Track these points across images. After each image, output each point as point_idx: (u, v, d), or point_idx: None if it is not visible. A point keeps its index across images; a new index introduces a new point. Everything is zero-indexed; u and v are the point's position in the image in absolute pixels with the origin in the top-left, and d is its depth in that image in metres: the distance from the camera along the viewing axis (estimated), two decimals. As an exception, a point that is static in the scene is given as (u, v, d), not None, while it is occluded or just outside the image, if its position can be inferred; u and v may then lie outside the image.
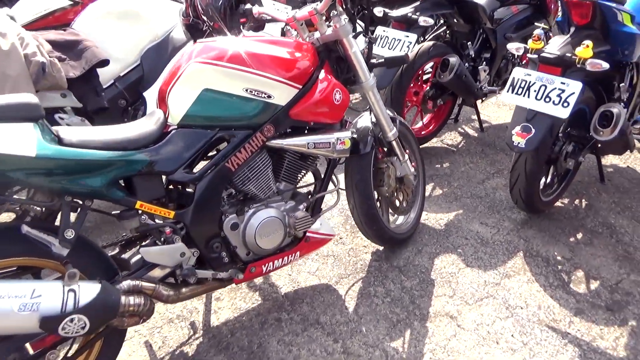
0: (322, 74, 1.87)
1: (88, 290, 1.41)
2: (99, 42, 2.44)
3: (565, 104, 2.07)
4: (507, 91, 2.24)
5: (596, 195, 2.89)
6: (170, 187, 1.71)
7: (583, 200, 2.84)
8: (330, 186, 2.07)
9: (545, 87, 2.13)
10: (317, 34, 1.95)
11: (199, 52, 1.66)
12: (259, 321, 2.03)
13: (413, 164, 2.38)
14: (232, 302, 2.14)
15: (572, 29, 2.26)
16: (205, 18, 2.01)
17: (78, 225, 1.46)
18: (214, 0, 1.99)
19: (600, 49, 2.23)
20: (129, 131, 1.56)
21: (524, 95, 2.18)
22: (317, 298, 2.16)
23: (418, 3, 3.05)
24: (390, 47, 2.90)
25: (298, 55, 1.79)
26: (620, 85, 2.37)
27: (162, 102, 1.67)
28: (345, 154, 1.93)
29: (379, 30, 2.98)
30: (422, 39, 3.36)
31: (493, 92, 3.44)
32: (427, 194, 2.93)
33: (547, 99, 2.11)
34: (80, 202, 1.49)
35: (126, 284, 1.55)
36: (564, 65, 2.11)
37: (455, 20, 3.28)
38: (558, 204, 2.79)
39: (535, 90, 2.15)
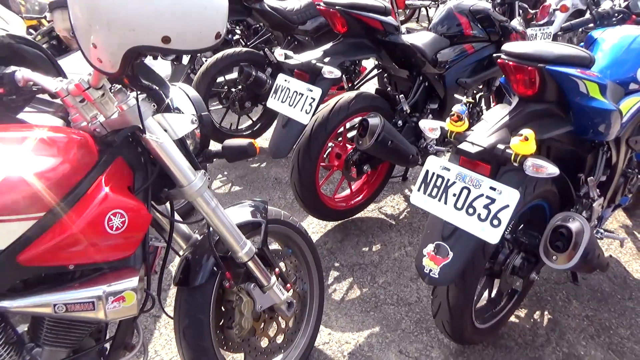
0: (95, 186, 1.16)
1: None
2: None
3: (496, 222, 1.35)
4: (418, 189, 1.52)
5: (564, 304, 2.16)
6: None
7: (545, 312, 2.12)
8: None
9: (469, 191, 1.41)
10: (102, 117, 1.25)
11: None
12: None
13: (289, 285, 1.66)
14: None
15: (515, 101, 1.54)
16: (-64, 87, 1.31)
17: None
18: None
19: (558, 131, 1.51)
20: None
21: (439, 199, 1.46)
22: None
23: (330, 45, 2.34)
24: (291, 103, 2.20)
25: (43, 163, 1.09)
26: (589, 179, 1.65)
27: None
28: (130, 313, 1.21)
29: (280, 78, 2.28)
30: (348, 86, 2.65)
31: (441, 152, 2.73)
32: (341, 295, 2.21)
33: (471, 210, 1.40)
34: None
35: None
36: (495, 162, 1.40)
37: (394, 64, 2.56)
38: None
39: (454, 194, 1.43)
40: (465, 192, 1.42)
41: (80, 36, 0.98)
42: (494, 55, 1.54)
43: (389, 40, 2.37)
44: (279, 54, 2.34)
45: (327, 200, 2.52)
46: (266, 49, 3.27)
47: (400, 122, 2.50)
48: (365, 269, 2.38)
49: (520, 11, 3.14)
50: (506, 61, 1.45)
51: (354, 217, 2.76)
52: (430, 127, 1.53)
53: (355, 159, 2.47)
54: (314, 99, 2.11)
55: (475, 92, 3.02)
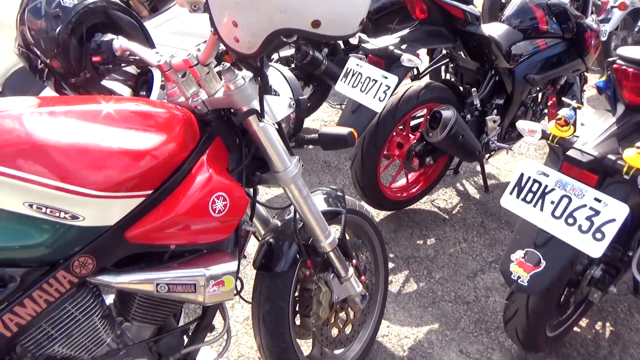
0: (198, 166, 1.13)
1: None
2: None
3: (599, 235, 1.30)
4: (510, 192, 1.47)
5: (626, 317, 2.11)
6: None
7: (607, 323, 2.07)
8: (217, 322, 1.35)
9: (570, 200, 1.35)
10: (204, 94, 1.21)
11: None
12: None
13: (363, 277, 1.63)
14: None
15: (621, 109, 1.47)
16: (37, 51, 1.28)
17: None
18: (49, 27, 1.25)
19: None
20: None
21: (534, 205, 1.41)
22: None
23: (407, 31, 2.26)
24: (363, 89, 2.13)
25: (153, 140, 1.06)
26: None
27: None
28: (227, 297, 1.20)
29: (352, 62, 2.21)
30: (413, 74, 2.58)
31: (503, 149, 2.66)
32: (397, 287, 2.19)
33: (571, 220, 1.34)
34: None
35: None
36: (602, 173, 1.34)
37: (461, 54, 2.48)
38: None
39: (552, 202, 1.38)
40: (565, 200, 1.36)
41: (216, 11, 0.93)
42: (608, 60, 1.46)
43: (467, 30, 2.29)
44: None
45: (384, 189, 2.48)
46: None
47: (468, 116, 2.42)
48: (420, 262, 2.35)
49: (594, 8, 3.01)
50: (624, 67, 1.37)
51: (407, 208, 2.71)
52: (530, 128, 1.47)
53: (417, 150, 2.41)
54: (388, 87, 2.05)
55: (538, 89, 2.93)
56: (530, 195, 1.42)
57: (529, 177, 1.44)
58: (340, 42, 3.52)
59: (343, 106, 3.64)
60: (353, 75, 2.18)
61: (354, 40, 2.27)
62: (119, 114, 1.07)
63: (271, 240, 1.46)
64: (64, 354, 1.08)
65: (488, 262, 2.38)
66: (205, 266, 1.15)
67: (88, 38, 1.30)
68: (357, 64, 2.18)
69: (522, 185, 1.45)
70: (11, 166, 0.92)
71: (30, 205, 0.94)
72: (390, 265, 2.32)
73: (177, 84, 1.22)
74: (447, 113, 2.12)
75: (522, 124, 1.50)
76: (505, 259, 1.46)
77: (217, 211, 1.13)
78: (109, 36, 1.31)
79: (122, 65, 1.34)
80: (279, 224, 1.50)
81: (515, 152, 3.37)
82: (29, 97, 1.09)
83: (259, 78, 1.20)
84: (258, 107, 1.20)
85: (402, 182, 2.66)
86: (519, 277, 1.41)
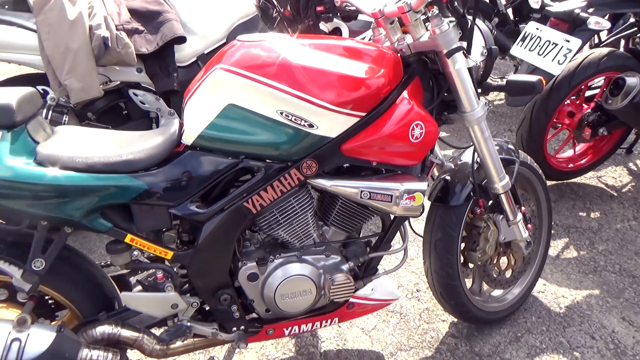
0: (401, 98, 1.34)
1: (38, 341, 1.17)
2: (185, 14, 2.19)
3: None
4: None
5: None
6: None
7: None
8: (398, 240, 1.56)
9: None
10: (409, 39, 1.41)
11: (229, 54, 1.26)
12: (279, 384, 1.67)
13: (529, 225, 1.72)
14: (262, 345, 1.80)
15: None
16: (274, 2, 1.59)
17: (52, 254, 1.24)
18: (286, -20, 1.55)
19: None
20: (127, 147, 1.25)
21: None
22: (359, 371, 1.71)
23: (595, -6, 2.21)
24: (540, 52, 2.16)
25: (369, 72, 1.29)
26: None
27: (184, 113, 1.32)
28: (415, 212, 1.39)
29: (531, 27, 2.23)
30: (594, 42, 2.50)
31: (691, 127, 2.46)
32: (556, 252, 2.21)
33: None
34: (58, 229, 1.24)
35: (99, 330, 1.29)
36: None
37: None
38: None
39: None
40: None
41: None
42: None
43: (665, -6, 2.16)
44: (534, 0, 2.29)
45: (549, 158, 2.47)
46: (498, -2, 3.19)
47: (654, 87, 2.29)
48: (582, 233, 2.32)
49: None
50: None
51: (570, 180, 2.66)
52: None
53: (591, 120, 2.35)
54: (570, 50, 2.05)
55: None
56: None
57: None
58: (510, 13, 3.48)
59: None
60: (531, 39, 2.21)
61: (535, 5, 2.28)
62: (346, 49, 1.32)
63: (447, 177, 1.62)
64: (283, 238, 1.38)
65: (661, 241, 2.26)
66: (400, 182, 1.36)
67: (313, -9, 1.58)
68: (537, 28, 2.20)
69: None
70: (272, 78, 1.20)
71: (281, 113, 1.22)
72: (550, 231, 2.33)
73: (386, 30, 1.44)
74: (632, 80, 2.05)
75: None
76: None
77: (414, 137, 1.33)
78: (329, -11, 1.57)
79: (340, 14, 1.59)
80: (453, 166, 1.65)
81: None
82: (278, 33, 1.39)
83: (462, 24, 1.36)
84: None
85: (568, 153, 2.61)
86: None
